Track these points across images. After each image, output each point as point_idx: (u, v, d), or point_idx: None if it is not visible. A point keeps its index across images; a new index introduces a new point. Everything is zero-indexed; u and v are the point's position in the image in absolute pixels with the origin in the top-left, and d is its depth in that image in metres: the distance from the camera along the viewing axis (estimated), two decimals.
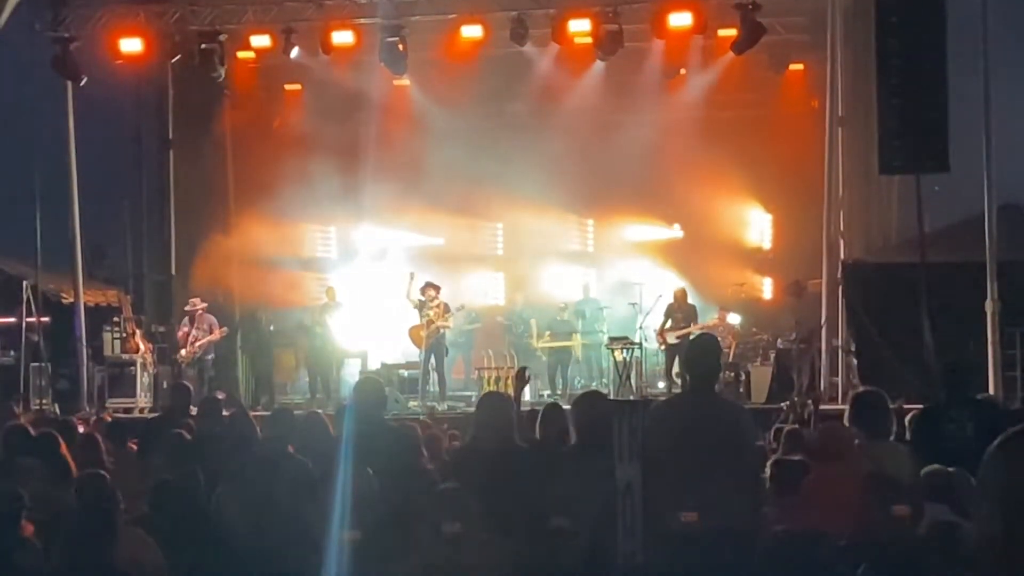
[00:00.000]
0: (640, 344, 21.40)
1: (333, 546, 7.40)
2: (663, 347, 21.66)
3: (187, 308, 22.06)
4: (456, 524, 7.12)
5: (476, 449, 8.39)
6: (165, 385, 21.12)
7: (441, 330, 21.35)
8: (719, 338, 11.42)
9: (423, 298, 21.46)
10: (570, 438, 8.83)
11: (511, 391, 17.90)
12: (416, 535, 7.32)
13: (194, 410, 13.09)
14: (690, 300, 22.02)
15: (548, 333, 22.72)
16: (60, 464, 9.30)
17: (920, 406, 9.93)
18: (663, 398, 17.00)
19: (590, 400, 8.25)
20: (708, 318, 21.84)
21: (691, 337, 20.64)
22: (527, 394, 20.20)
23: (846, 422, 8.51)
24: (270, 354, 23.08)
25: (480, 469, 8.06)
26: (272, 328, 23.23)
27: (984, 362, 17.20)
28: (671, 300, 21.75)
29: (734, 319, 22.35)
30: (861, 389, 8.57)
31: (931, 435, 9.00)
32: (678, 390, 19.99)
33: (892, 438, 8.61)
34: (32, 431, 10.17)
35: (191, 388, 14.82)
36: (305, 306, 23.23)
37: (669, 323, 21.49)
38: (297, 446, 9.30)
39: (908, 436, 9.46)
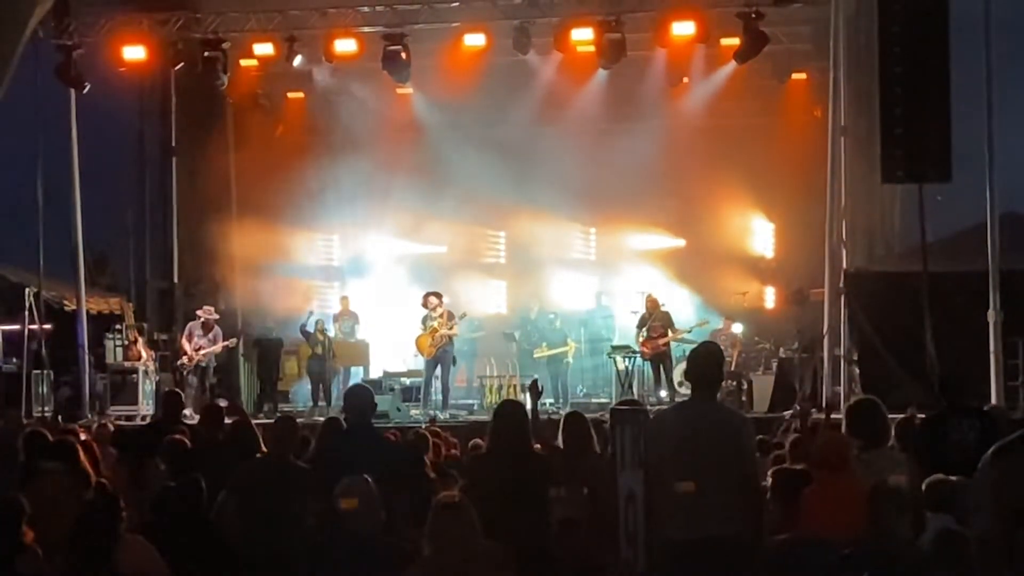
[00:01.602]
0: (641, 352, 21.36)
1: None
2: (647, 358, 21.36)
3: (199, 313, 22.00)
4: (456, 493, 7.14)
5: (493, 456, 8.41)
6: None
7: (448, 339, 21.30)
8: (721, 346, 11.37)
9: (426, 308, 21.43)
10: (594, 444, 8.89)
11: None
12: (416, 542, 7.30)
13: (194, 417, 13.09)
14: (683, 308, 21.98)
15: (544, 343, 22.62)
16: (79, 471, 9.30)
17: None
18: (665, 406, 17.00)
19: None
20: (686, 323, 21.73)
21: (672, 343, 20.71)
22: (528, 403, 20.22)
23: (843, 430, 8.51)
24: (273, 362, 23.08)
25: (497, 475, 8.09)
26: (274, 336, 23.22)
27: (986, 372, 17.22)
28: (643, 309, 21.56)
29: (737, 328, 22.33)
30: (857, 398, 8.54)
31: (934, 444, 8.99)
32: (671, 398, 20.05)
33: (890, 446, 8.59)
34: (51, 437, 10.17)
35: (182, 395, 14.79)
36: (311, 313, 23.15)
37: (644, 333, 21.31)
38: (315, 451, 9.36)
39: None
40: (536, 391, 10.16)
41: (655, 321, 21.20)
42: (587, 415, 9.86)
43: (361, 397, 9.36)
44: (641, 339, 21.27)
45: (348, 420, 9.33)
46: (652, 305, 21.42)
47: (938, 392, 9.87)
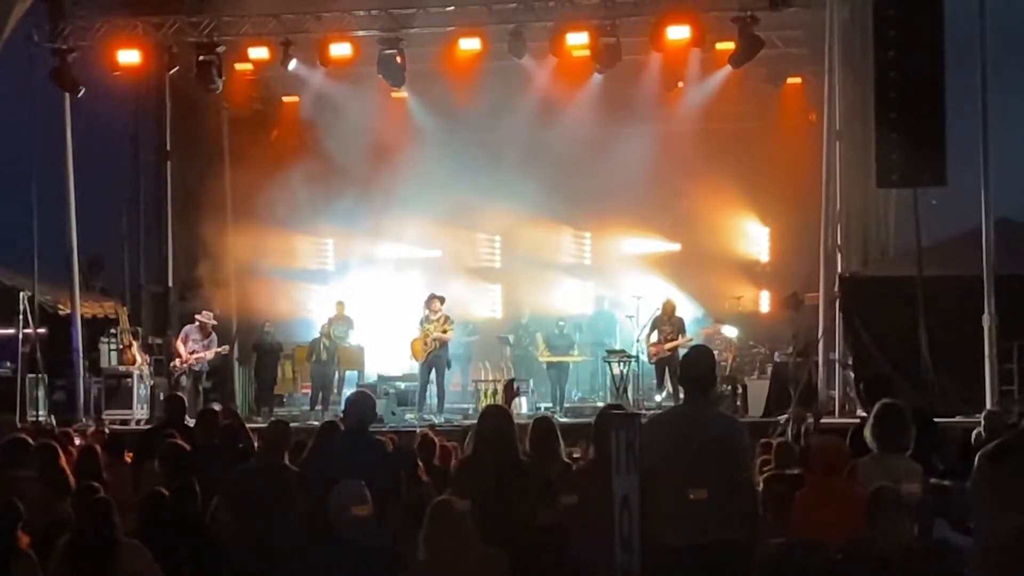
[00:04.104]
0: (637, 357, 21.36)
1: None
2: (653, 360, 21.45)
3: (198, 317, 21.94)
4: (465, 502, 7.11)
5: (477, 461, 8.39)
6: (162, 397, 21.11)
7: (441, 343, 21.22)
8: (716, 351, 11.36)
9: (427, 311, 21.36)
10: (560, 450, 8.85)
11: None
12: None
13: (188, 421, 13.08)
14: (681, 313, 22.00)
15: (545, 348, 22.58)
16: (58, 476, 9.27)
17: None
18: (659, 410, 16.98)
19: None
20: (697, 331, 21.78)
21: (680, 349, 20.70)
22: (523, 406, 20.24)
23: (866, 433, 8.36)
24: (271, 366, 23.06)
25: (482, 481, 8.07)
26: (269, 340, 23.21)
27: (981, 376, 17.23)
28: (659, 312, 21.61)
29: (731, 332, 22.32)
30: (884, 401, 8.39)
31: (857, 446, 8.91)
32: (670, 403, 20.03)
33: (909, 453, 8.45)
34: (31, 443, 10.13)
35: (185, 400, 14.79)
36: (308, 318, 23.12)
37: (655, 335, 21.36)
38: (309, 455, 9.37)
39: None
40: (511, 392, 10.11)
41: (667, 326, 21.25)
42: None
43: (362, 403, 9.36)
44: (652, 341, 21.30)
45: (346, 424, 9.34)
46: (669, 310, 21.48)
47: (862, 393, 9.79)
